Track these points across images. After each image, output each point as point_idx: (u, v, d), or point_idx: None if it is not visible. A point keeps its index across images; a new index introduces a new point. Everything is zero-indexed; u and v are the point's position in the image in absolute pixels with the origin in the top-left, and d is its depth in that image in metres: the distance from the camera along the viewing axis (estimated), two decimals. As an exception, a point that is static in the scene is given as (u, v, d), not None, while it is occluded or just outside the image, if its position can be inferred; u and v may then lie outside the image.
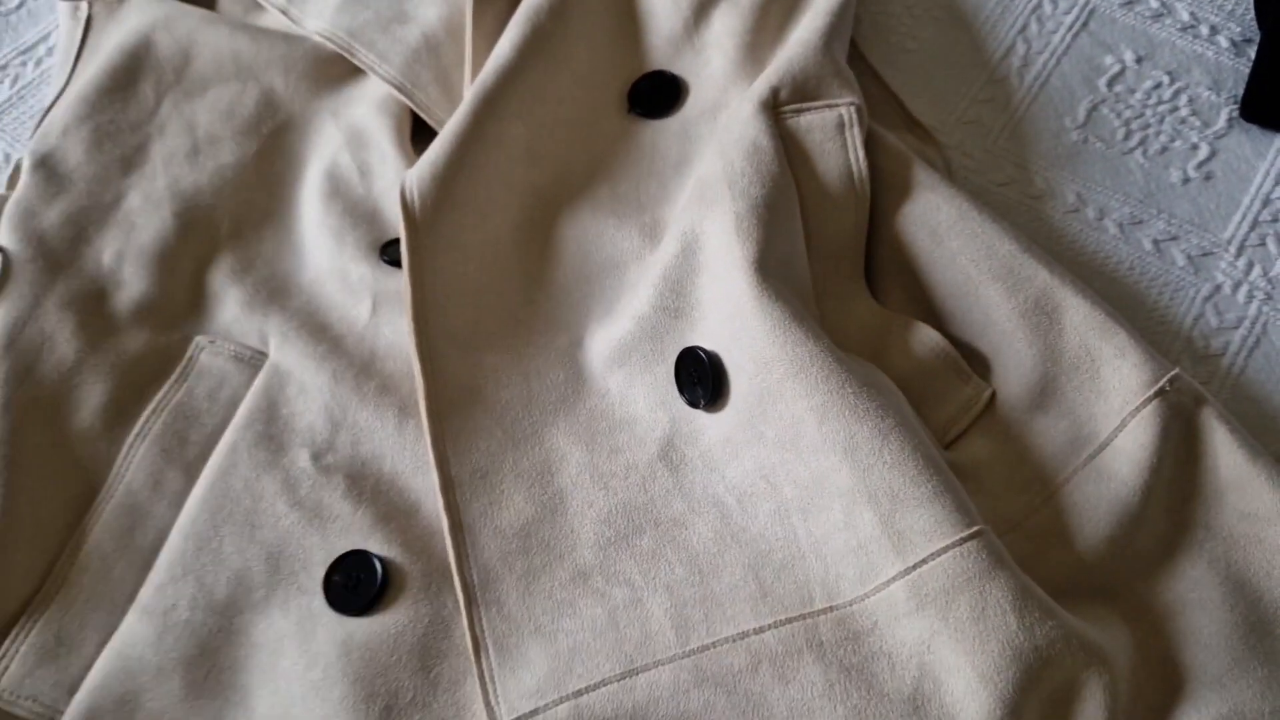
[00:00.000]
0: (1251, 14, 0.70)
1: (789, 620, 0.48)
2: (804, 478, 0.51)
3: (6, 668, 0.51)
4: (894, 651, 0.47)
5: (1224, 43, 0.70)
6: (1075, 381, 0.53)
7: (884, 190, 0.58)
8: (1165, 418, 0.50)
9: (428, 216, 0.59)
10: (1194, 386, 0.51)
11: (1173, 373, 0.51)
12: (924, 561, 0.47)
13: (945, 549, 0.47)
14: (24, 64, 0.74)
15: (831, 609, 0.48)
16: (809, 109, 0.59)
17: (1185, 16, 0.71)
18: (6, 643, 0.52)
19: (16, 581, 0.53)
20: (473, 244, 0.60)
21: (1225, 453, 0.51)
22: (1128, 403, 0.51)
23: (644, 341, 0.56)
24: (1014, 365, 0.54)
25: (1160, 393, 0.50)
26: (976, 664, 0.45)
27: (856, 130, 0.58)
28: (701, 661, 0.49)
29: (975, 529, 0.47)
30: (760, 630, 0.49)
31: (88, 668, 0.52)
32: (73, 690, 0.51)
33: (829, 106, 0.59)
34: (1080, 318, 0.52)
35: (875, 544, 0.48)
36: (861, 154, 0.58)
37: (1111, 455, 0.52)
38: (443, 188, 0.60)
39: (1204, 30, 0.70)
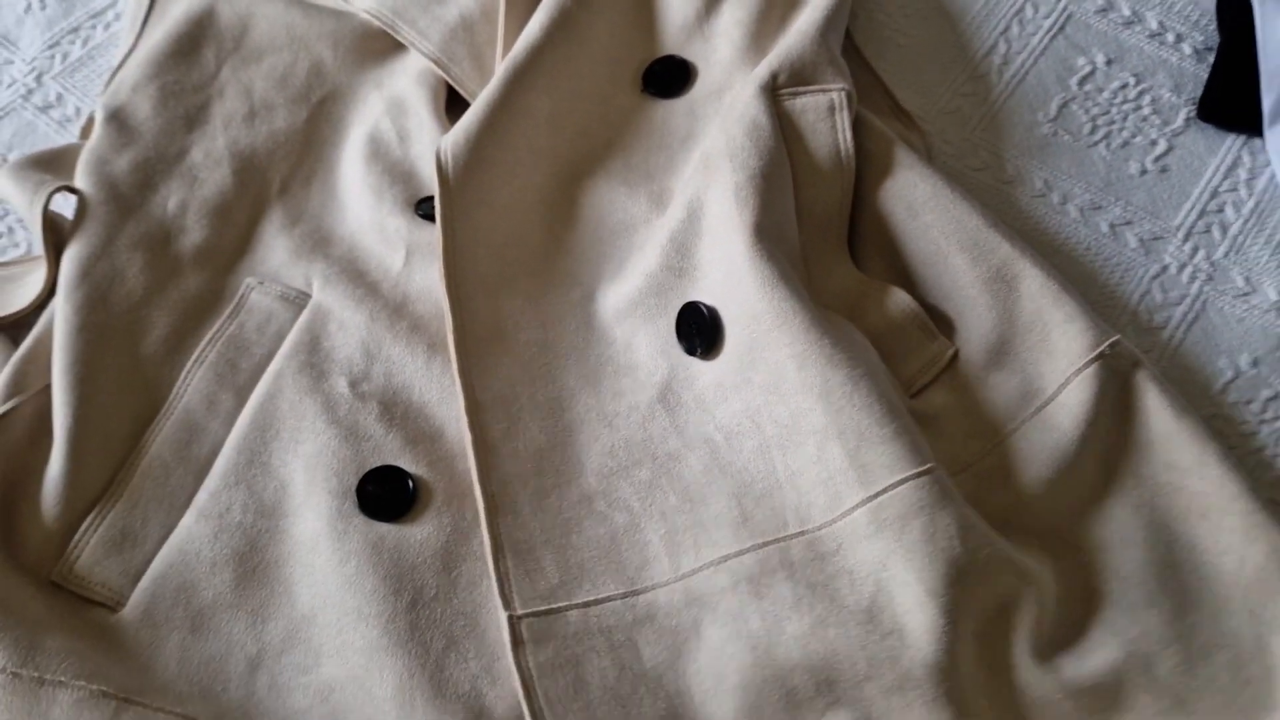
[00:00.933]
0: (1214, 24, 0.77)
1: (765, 544, 0.56)
2: (784, 417, 0.58)
3: (79, 555, 0.59)
4: (855, 569, 0.54)
5: (1187, 49, 0.76)
6: (1028, 343, 0.60)
7: (868, 168, 0.66)
8: (1104, 378, 0.57)
9: (460, 176, 0.66)
10: (1132, 352, 0.58)
11: (1114, 339, 0.58)
12: (883, 491, 0.54)
13: (902, 481, 0.54)
14: (94, 27, 0.81)
15: (803, 533, 0.55)
16: (804, 92, 0.66)
17: (1154, 25, 0.78)
18: (79, 534, 0.59)
19: (87, 482, 0.60)
20: (499, 202, 0.67)
21: (1156, 410, 0.58)
22: (1072, 364, 0.58)
23: (650, 296, 0.63)
24: (975, 327, 0.62)
25: (1101, 355, 0.57)
26: (925, 580, 0.52)
27: (845, 113, 0.65)
28: (691, 584, 0.56)
29: (928, 465, 0.54)
30: (741, 553, 0.56)
31: (149, 560, 0.59)
32: (136, 578, 0.59)
33: (822, 91, 0.66)
34: (1036, 287, 0.60)
35: (842, 475, 0.55)
36: (849, 134, 0.65)
37: (1055, 409, 0.59)
38: (474, 151, 0.67)
39: (1170, 38, 0.77)
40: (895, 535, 0.53)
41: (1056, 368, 0.58)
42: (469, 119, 0.67)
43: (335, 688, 0.55)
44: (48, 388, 0.62)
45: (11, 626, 0.54)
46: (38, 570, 0.58)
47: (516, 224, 0.67)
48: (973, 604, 0.53)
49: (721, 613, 0.55)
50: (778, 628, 0.53)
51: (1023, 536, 0.57)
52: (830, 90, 0.66)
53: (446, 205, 0.65)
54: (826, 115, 0.66)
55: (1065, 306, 0.59)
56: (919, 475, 0.54)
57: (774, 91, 0.65)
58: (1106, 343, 0.58)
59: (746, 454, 0.58)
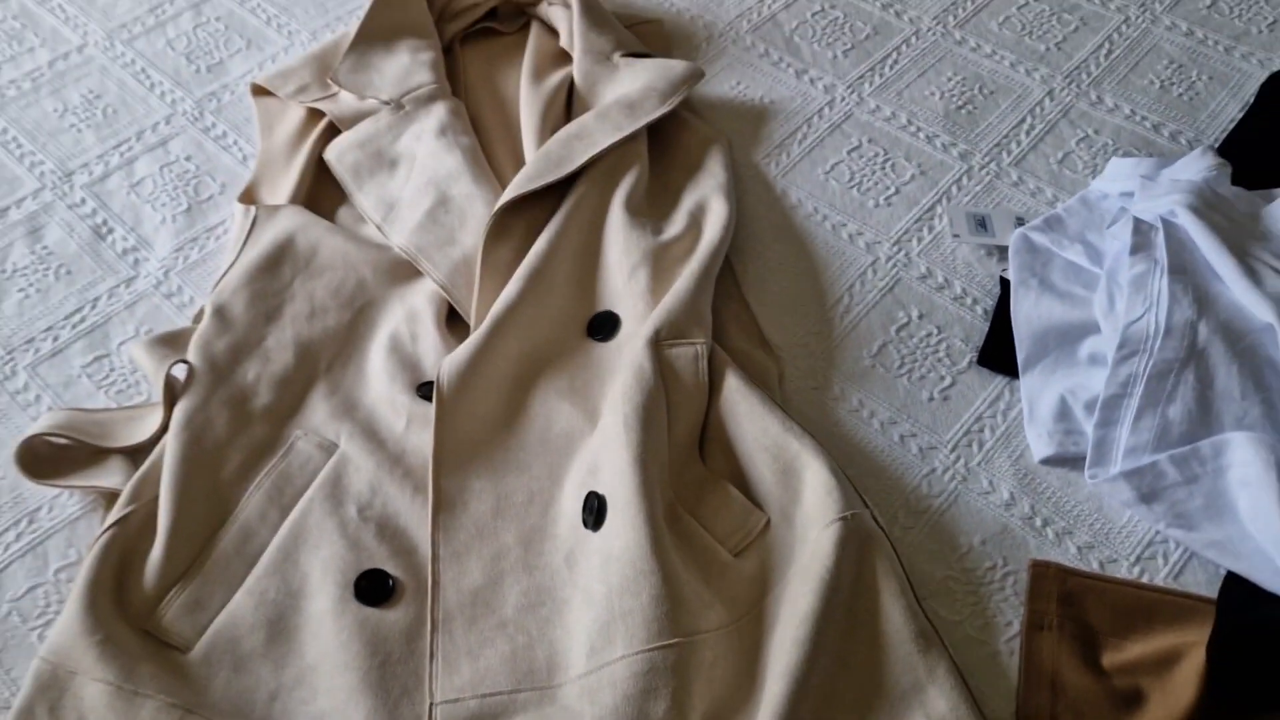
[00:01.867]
0: (999, 292, 1.07)
1: (585, 674, 0.82)
2: (616, 580, 0.85)
3: (165, 613, 0.87)
4: (603, 700, 0.79)
5: (979, 311, 1.06)
6: (802, 513, 0.88)
7: (714, 392, 0.95)
8: (844, 533, 0.84)
9: (451, 394, 0.95)
10: (868, 524, 0.86)
11: (855, 511, 0.85)
12: (623, 658, 0.80)
13: (634, 653, 0.80)
14: (209, 239, 1.14)
15: (601, 667, 0.81)
16: (677, 344, 0.96)
17: (958, 290, 1.08)
18: (165, 599, 0.87)
19: (175, 566, 0.89)
20: (475, 412, 0.96)
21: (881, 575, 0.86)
22: (825, 522, 0.85)
23: (572, 490, 0.92)
24: (773, 504, 0.90)
25: (842, 519, 0.85)
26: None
27: (703, 360, 0.95)
28: (555, 693, 0.82)
29: (670, 642, 0.80)
30: (585, 675, 0.82)
31: (210, 621, 0.87)
32: (201, 633, 0.86)
33: (689, 344, 0.96)
34: (811, 476, 0.88)
35: (617, 627, 0.82)
36: (704, 371, 0.95)
37: (811, 549, 0.86)
38: (461, 378, 0.96)
39: (968, 301, 1.07)
40: (613, 687, 0.79)
41: (814, 525, 0.86)
42: (461, 353, 0.97)
43: (324, 715, 0.83)
44: (155, 499, 0.92)
45: (118, 655, 0.82)
46: (136, 621, 0.87)
47: (485, 427, 0.97)
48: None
49: (565, 711, 0.81)
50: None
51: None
52: (695, 344, 0.97)
53: (439, 413, 0.94)
54: (691, 361, 0.96)
55: (829, 495, 0.87)
56: (659, 648, 0.80)
57: (656, 343, 0.96)
58: (849, 512, 0.85)
59: (598, 603, 0.85)
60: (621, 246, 1.05)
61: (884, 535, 0.87)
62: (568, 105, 1.23)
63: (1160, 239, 0.96)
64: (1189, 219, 0.97)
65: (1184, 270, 0.95)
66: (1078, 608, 0.87)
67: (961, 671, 0.82)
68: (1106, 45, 1.30)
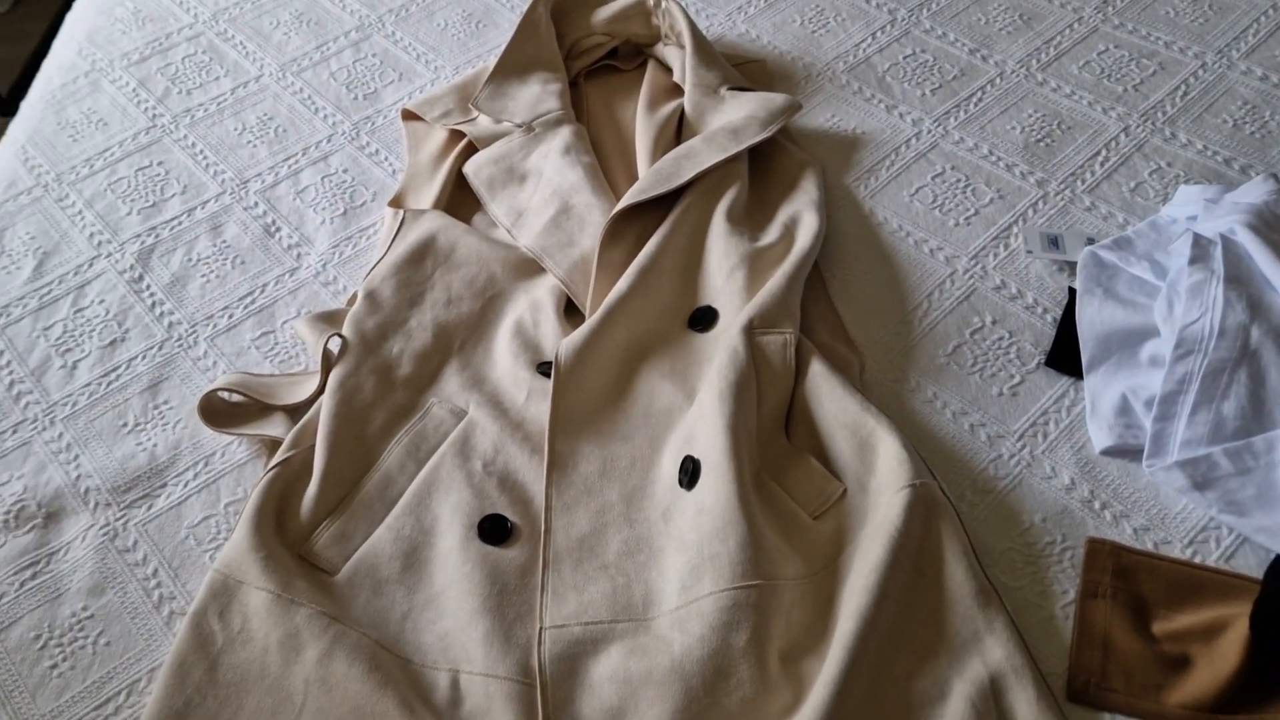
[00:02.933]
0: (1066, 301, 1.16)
1: (676, 609, 0.93)
2: (706, 529, 0.96)
3: (317, 542, 1.01)
4: (693, 628, 0.90)
5: (1048, 319, 1.15)
6: (876, 483, 0.98)
7: (799, 377, 1.07)
8: (912, 499, 0.94)
9: (566, 371, 1.09)
10: (935, 493, 0.95)
11: (924, 480, 0.95)
12: (710, 594, 0.91)
13: (720, 590, 0.91)
14: (361, 239, 1.31)
15: (692, 602, 0.93)
16: (768, 333, 1.08)
17: (1030, 300, 1.17)
18: (317, 530, 1.02)
19: (326, 503, 1.04)
20: (587, 387, 1.09)
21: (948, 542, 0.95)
22: (896, 488, 0.95)
23: (671, 455, 1.04)
24: (850, 475, 1.00)
25: (911, 486, 0.94)
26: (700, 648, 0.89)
27: (791, 348, 1.07)
28: (649, 624, 0.94)
29: (752, 583, 0.91)
30: (676, 609, 0.94)
31: (355, 551, 1.01)
32: (346, 560, 1.00)
33: (778, 333, 1.08)
34: (885, 449, 0.98)
35: (706, 568, 0.93)
36: (791, 358, 1.06)
37: (883, 511, 0.96)
38: (577, 358, 1.10)
39: (1039, 310, 1.16)
40: (701, 618, 0.90)
41: (886, 491, 0.96)
42: (577, 335, 1.11)
43: (448, 634, 0.95)
44: (312, 447, 1.07)
45: (278, 570, 0.97)
46: (292, 547, 1.01)
47: (596, 401, 1.10)
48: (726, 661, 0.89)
49: (660, 640, 0.92)
50: (682, 648, 0.90)
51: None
52: (784, 333, 1.08)
53: (556, 387, 1.08)
54: (780, 348, 1.08)
55: (901, 465, 0.97)
56: (744, 588, 0.91)
57: (750, 331, 1.08)
58: (918, 480, 0.95)
59: (690, 549, 0.97)
60: (722, 250, 1.18)
61: (950, 504, 0.97)
62: (678, 132, 1.37)
63: (1218, 252, 1.04)
64: (1247, 235, 1.05)
65: (1239, 280, 1.03)
66: (1131, 580, 0.95)
67: (1018, 627, 0.90)
68: (1183, 88, 1.39)
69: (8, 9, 3.08)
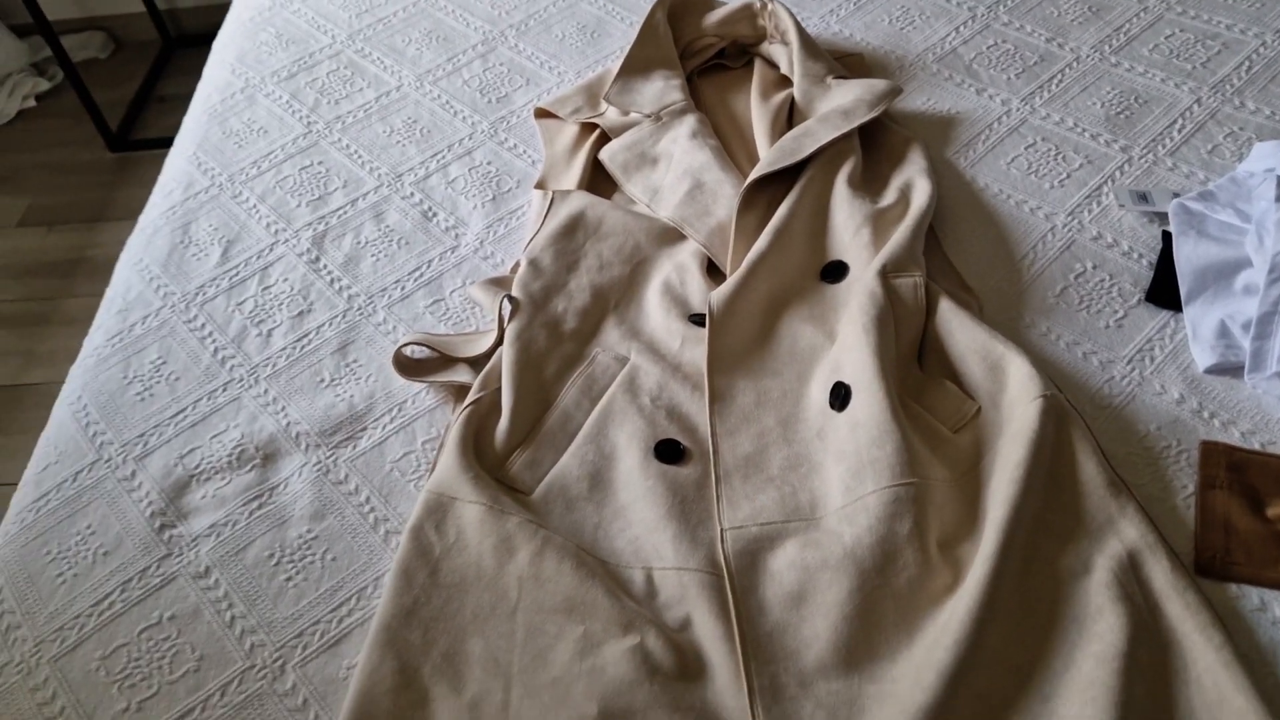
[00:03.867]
0: (1160, 246, 1.29)
1: (843, 506, 1.06)
2: (862, 441, 1.09)
3: (512, 468, 1.15)
4: (864, 522, 1.03)
5: (1144, 263, 1.28)
6: (1008, 399, 1.11)
7: (930, 313, 1.20)
8: (1044, 408, 1.06)
9: (720, 318, 1.23)
10: (1064, 403, 1.08)
11: (1052, 393, 1.08)
12: (873, 492, 1.04)
13: (882, 488, 1.03)
14: (510, 223, 1.46)
15: (857, 500, 1.06)
16: (900, 276, 1.22)
17: (1125, 247, 1.30)
18: (511, 458, 1.15)
19: (516, 436, 1.17)
20: (737, 331, 1.23)
21: (1079, 446, 1.07)
22: (1029, 399, 1.08)
23: (820, 382, 1.18)
24: (983, 395, 1.13)
25: (1043, 396, 1.07)
26: (876, 530, 1.02)
27: (921, 289, 1.20)
28: (818, 522, 1.07)
29: (910, 480, 1.04)
30: (842, 507, 1.06)
31: (545, 475, 1.14)
32: (538, 483, 1.14)
33: (909, 276, 1.22)
34: (1014, 369, 1.11)
35: (867, 471, 1.06)
36: (922, 298, 1.20)
37: (1017, 422, 1.08)
38: (727, 306, 1.24)
39: (1134, 255, 1.29)
40: (867, 512, 1.03)
41: (1019, 404, 1.09)
42: (726, 288, 1.24)
43: (638, 538, 1.08)
44: (498, 390, 1.21)
45: (487, 486, 1.10)
46: (490, 473, 1.15)
47: (745, 341, 1.23)
48: (894, 542, 1.01)
49: (828, 534, 1.05)
50: (852, 537, 1.03)
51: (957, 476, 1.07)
52: (914, 276, 1.22)
53: (711, 331, 1.22)
54: (912, 289, 1.21)
55: (1031, 380, 1.09)
56: (902, 485, 1.04)
57: (883, 275, 1.22)
58: (1049, 391, 1.08)
59: (849, 457, 1.10)
60: (846, 211, 1.32)
61: (1077, 412, 1.09)
62: (789, 118, 1.52)
63: (1301, 190, 1.18)
64: (1325, 176, 1.18)
65: (1322, 213, 1.16)
66: (1243, 474, 1.07)
67: (1148, 513, 1.02)
68: (1247, 63, 1.53)
69: (108, 55, 3.31)
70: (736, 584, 1.03)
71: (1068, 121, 1.48)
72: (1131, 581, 0.99)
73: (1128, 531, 1.02)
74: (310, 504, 1.16)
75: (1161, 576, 0.99)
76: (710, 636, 1.00)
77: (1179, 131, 1.44)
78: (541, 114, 1.59)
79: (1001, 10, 1.69)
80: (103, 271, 2.60)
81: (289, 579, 1.10)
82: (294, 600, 1.09)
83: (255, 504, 1.17)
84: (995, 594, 0.97)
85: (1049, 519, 1.04)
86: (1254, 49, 1.55)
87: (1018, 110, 1.51)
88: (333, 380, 1.28)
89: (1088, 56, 1.58)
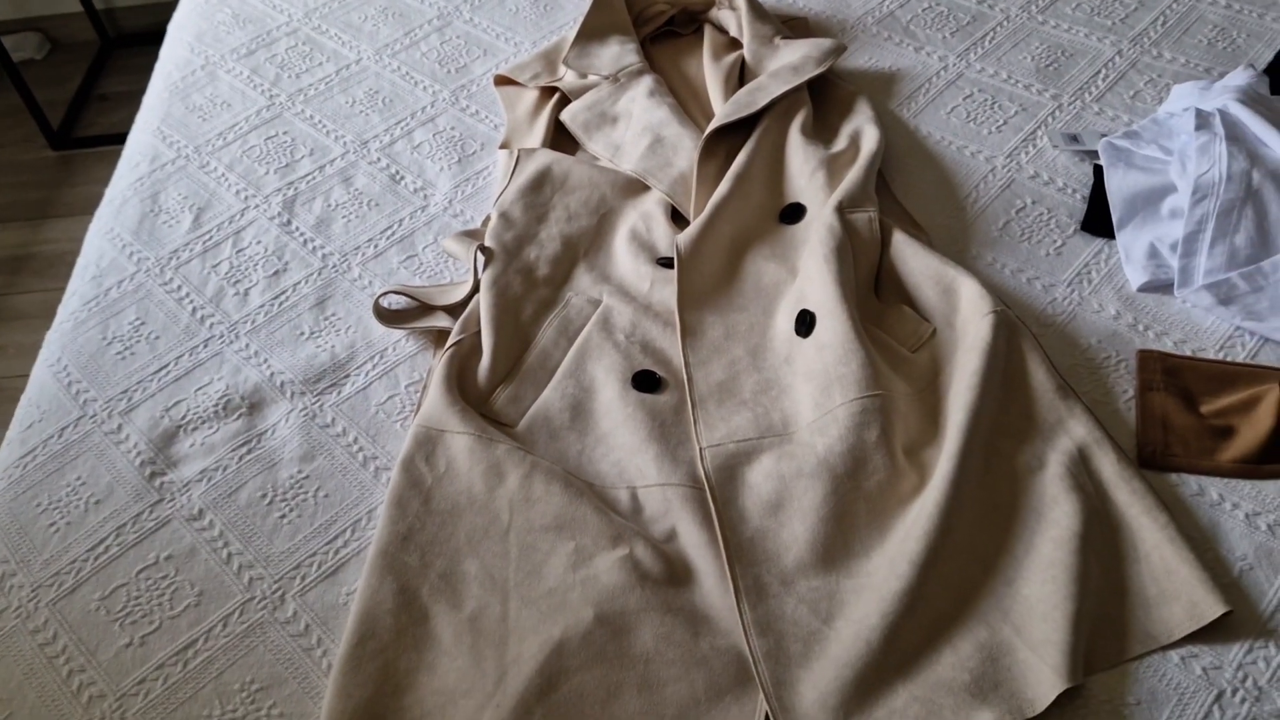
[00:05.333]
0: (1089, 183, 1.38)
1: (813, 420, 1.13)
2: (828, 360, 1.16)
3: (496, 402, 1.19)
4: (832, 431, 1.10)
5: (1078, 197, 1.38)
6: (960, 318, 1.18)
7: (885, 245, 1.28)
8: (995, 322, 1.14)
9: (686, 257, 1.29)
10: (1013, 317, 1.16)
11: (1001, 308, 1.16)
12: (841, 404, 1.11)
13: (849, 400, 1.11)
14: (478, 179, 1.51)
15: (828, 412, 1.12)
16: (855, 211, 1.29)
17: (1060, 184, 1.40)
18: (494, 394, 1.20)
19: (497, 374, 1.22)
20: (704, 270, 1.30)
21: (1030, 357, 1.15)
22: (981, 315, 1.16)
23: (785, 311, 1.24)
24: (937, 315, 1.21)
25: (994, 311, 1.15)
26: (847, 435, 1.09)
27: (875, 223, 1.28)
28: (790, 436, 1.13)
29: (876, 392, 1.11)
30: (813, 421, 1.13)
31: (528, 408, 1.19)
32: (522, 415, 1.19)
33: (863, 211, 1.29)
34: (966, 291, 1.19)
35: (834, 387, 1.13)
36: (876, 231, 1.28)
37: (970, 337, 1.16)
38: (694, 247, 1.30)
39: (1069, 191, 1.39)
40: (837, 423, 1.10)
41: (972, 320, 1.17)
42: (691, 231, 1.31)
43: (621, 461, 1.14)
44: (478, 333, 1.25)
45: (474, 418, 1.15)
46: (475, 407, 1.20)
47: (712, 280, 1.30)
48: (864, 443, 1.09)
49: (803, 446, 1.11)
50: (824, 447, 1.10)
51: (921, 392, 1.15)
52: (868, 211, 1.30)
53: (680, 271, 1.28)
54: (867, 224, 1.29)
55: (982, 299, 1.17)
56: (872, 397, 1.11)
57: (840, 210, 1.29)
58: (999, 308, 1.16)
59: (817, 376, 1.16)
60: (801, 157, 1.39)
61: (1025, 326, 1.17)
62: (740, 77, 1.59)
63: (1217, 120, 1.28)
64: (1238, 108, 1.29)
65: (1237, 139, 1.26)
66: (1178, 377, 1.16)
67: (1094, 413, 1.11)
68: (1161, 18, 1.64)
69: (44, 55, 3.27)
70: (718, 495, 1.08)
71: (1001, 74, 1.57)
72: (1082, 473, 1.07)
73: (1076, 430, 1.10)
74: (299, 447, 1.19)
75: (1109, 468, 1.07)
76: (695, 544, 1.06)
77: (1103, 80, 1.54)
78: (501, 81, 1.64)
79: (934, -24, 1.78)
80: (51, 267, 2.59)
81: (283, 516, 1.14)
82: (289, 535, 1.12)
83: (245, 449, 1.20)
84: (960, 489, 1.04)
85: (1005, 421, 1.12)
86: (1167, 4, 1.67)
87: (954, 65, 1.60)
88: (313, 333, 1.32)
89: (1016, 16, 1.68)
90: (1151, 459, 1.09)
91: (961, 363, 1.15)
